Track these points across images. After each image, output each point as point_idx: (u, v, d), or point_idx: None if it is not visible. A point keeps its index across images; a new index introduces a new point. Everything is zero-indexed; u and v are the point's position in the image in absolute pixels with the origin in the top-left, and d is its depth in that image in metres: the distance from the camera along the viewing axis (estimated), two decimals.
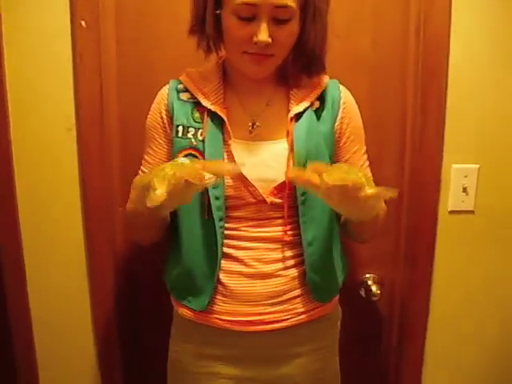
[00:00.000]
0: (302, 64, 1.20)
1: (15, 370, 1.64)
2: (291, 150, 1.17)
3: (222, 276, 1.20)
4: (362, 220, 1.13)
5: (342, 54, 1.51)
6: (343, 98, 1.26)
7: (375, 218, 1.16)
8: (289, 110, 1.21)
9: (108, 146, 1.53)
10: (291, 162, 1.17)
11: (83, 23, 1.44)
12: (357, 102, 1.30)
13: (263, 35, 1.07)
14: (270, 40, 1.08)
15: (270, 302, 1.20)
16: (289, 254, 1.22)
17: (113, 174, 1.55)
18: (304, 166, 1.13)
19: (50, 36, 1.46)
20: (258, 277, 1.19)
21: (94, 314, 1.62)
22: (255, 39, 1.07)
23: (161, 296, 1.39)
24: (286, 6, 1.06)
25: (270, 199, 1.18)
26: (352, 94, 1.30)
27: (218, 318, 1.22)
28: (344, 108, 1.25)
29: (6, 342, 1.61)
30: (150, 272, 1.54)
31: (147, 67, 1.51)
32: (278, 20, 1.08)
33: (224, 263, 1.20)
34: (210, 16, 1.13)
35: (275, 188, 1.18)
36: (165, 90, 1.27)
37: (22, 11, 1.44)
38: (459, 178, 1.58)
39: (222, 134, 1.19)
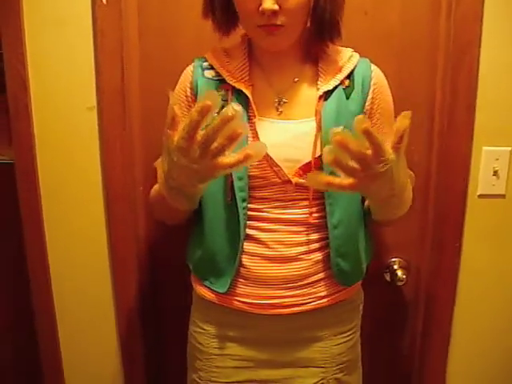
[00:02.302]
0: (316, 28, 1.14)
1: (40, 366, 1.66)
2: (319, 129, 1.14)
3: (244, 258, 1.19)
4: (393, 194, 1.02)
5: (370, 31, 1.48)
6: (374, 77, 1.22)
7: (404, 188, 1.07)
8: (317, 88, 1.17)
9: (129, 126, 1.51)
10: (318, 141, 1.14)
11: (104, 1, 1.41)
12: None
13: (267, 3, 1.03)
14: (275, 7, 1.03)
15: (291, 285, 1.18)
16: (313, 237, 1.19)
17: (134, 154, 1.54)
18: None
19: (71, 15, 1.44)
20: (280, 260, 1.18)
21: (116, 298, 1.62)
22: (261, 8, 1.04)
23: (183, 278, 1.37)
24: None
25: (295, 180, 1.16)
26: None
27: (238, 300, 1.21)
28: (375, 88, 1.21)
29: (31, 337, 1.64)
30: (172, 253, 1.52)
31: (169, 44, 1.49)
32: None
33: (246, 245, 1.18)
34: None
35: (301, 168, 1.15)
36: (189, 68, 1.25)
37: None
38: (490, 161, 1.53)
39: (247, 111, 1.16)
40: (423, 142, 1.55)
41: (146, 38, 1.49)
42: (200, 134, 0.87)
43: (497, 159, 1.53)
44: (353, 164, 0.89)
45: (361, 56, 1.24)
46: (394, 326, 1.71)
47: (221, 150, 0.88)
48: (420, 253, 1.63)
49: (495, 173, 1.53)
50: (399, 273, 1.58)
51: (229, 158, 0.90)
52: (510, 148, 1.53)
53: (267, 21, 1.06)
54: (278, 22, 1.07)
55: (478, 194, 1.55)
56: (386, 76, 1.25)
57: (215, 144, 0.88)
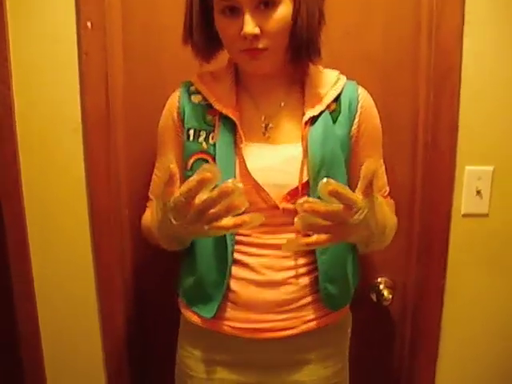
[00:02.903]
0: (293, 49, 1.13)
1: None
2: (305, 155, 1.14)
3: (232, 283, 1.18)
4: (375, 238, 1.05)
5: (353, 52, 1.49)
6: (361, 101, 1.21)
7: (384, 225, 1.10)
8: (303, 113, 1.17)
9: (114, 147, 1.51)
10: (305, 167, 1.14)
11: (89, 24, 1.42)
12: None
13: (248, 27, 1.03)
14: (256, 30, 1.04)
15: (279, 309, 1.17)
16: (301, 261, 1.19)
17: (119, 176, 1.54)
18: (318, 172, 1.12)
19: (56, 37, 1.44)
20: (268, 284, 1.17)
21: (102, 322, 1.61)
22: (242, 33, 1.04)
23: (168, 302, 1.37)
24: None
25: (282, 205, 1.15)
26: None
27: (226, 325, 1.20)
28: (362, 112, 1.21)
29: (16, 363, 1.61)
30: (159, 276, 1.52)
31: (154, 68, 1.49)
32: (262, 9, 1.04)
33: (235, 270, 1.18)
34: (197, 24, 1.13)
35: (288, 193, 1.15)
36: (176, 93, 1.25)
37: (27, 12, 1.42)
38: (473, 181, 1.54)
39: (234, 137, 1.16)
40: (407, 162, 1.57)
41: (131, 59, 1.50)
42: (198, 198, 0.90)
43: (479, 179, 1.54)
44: (326, 222, 0.91)
45: (348, 78, 1.24)
46: (381, 346, 1.71)
47: (217, 218, 0.91)
48: (405, 272, 1.64)
49: (478, 192, 1.55)
50: (385, 292, 1.59)
51: (225, 221, 0.92)
52: (492, 167, 1.54)
53: (249, 45, 1.06)
54: (261, 46, 1.07)
55: (462, 213, 1.57)
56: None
57: (212, 211, 0.90)
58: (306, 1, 1.08)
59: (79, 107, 1.47)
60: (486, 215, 1.57)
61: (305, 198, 0.89)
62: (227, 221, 0.92)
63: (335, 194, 0.87)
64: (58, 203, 1.53)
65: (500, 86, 1.50)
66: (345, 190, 0.89)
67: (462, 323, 1.65)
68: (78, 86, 1.46)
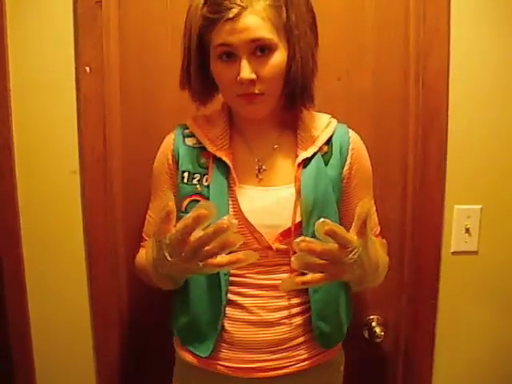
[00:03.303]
0: (288, 94, 1.17)
1: None
2: (298, 196, 1.16)
3: (226, 323, 1.19)
4: (368, 276, 1.07)
5: (344, 96, 1.54)
6: (352, 143, 1.24)
7: (377, 264, 1.10)
8: (297, 155, 1.20)
9: (111, 189, 1.54)
10: (298, 208, 1.16)
11: (87, 69, 1.46)
12: None
13: (244, 72, 1.06)
14: (252, 76, 1.07)
15: (273, 349, 1.18)
16: (294, 301, 1.20)
17: (116, 217, 1.56)
18: (311, 212, 1.14)
19: (55, 81, 1.48)
20: (262, 325, 1.18)
21: (97, 359, 1.61)
22: (238, 78, 1.07)
23: (164, 339, 1.37)
24: (260, 39, 1.06)
25: (275, 245, 1.17)
26: None
27: (221, 365, 1.20)
28: (352, 154, 1.24)
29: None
30: (154, 315, 1.53)
31: (151, 112, 1.53)
32: (258, 55, 1.08)
33: (228, 310, 1.19)
34: (194, 69, 1.15)
35: (281, 234, 1.17)
36: (171, 136, 1.27)
37: (28, 57, 1.47)
38: (462, 219, 1.58)
39: (228, 179, 1.18)
40: (397, 200, 1.60)
41: (128, 104, 1.53)
42: (193, 236, 0.92)
43: (468, 217, 1.57)
44: (321, 261, 0.93)
45: (338, 122, 1.27)
46: (373, 383, 1.71)
47: (211, 255, 0.93)
48: (397, 309, 1.65)
49: (467, 230, 1.58)
50: (377, 330, 1.60)
51: (219, 258, 0.94)
52: (480, 206, 1.58)
53: (246, 90, 1.09)
54: (256, 91, 1.10)
55: (452, 250, 1.59)
56: (360, 138, 1.29)
57: (207, 248, 0.92)
58: (301, 50, 1.11)
59: (77, 150, 1.51)
60: (476, 253, 1.60)
61: (302, 238, 0.92)
62: (222, 258, 0.93)
63: (331, 234, 0.90)
64: (55, 242, 1.55)
65: (487, 126, 1.55)
66: (341, 229, 0.92)
67: (454, 359, 1.66)
68: (76, 130, 1.50)
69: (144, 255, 1.21)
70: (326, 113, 1.28)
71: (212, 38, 1.09)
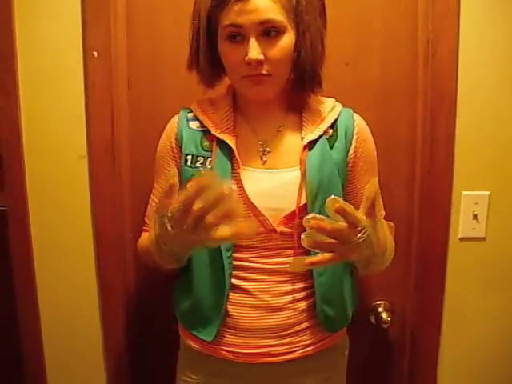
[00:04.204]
0: (297, 79, 1.18)
1: None
2: (303, 179, 1.16)
3: (230, 308, 1.19)
4: (376, 258, 1.05)
5: (352, 81, 1.53)
6: (357, 127, 1.24)
7: (385, 246, 1.09)
8: (301, 137, 1.20)
9: (119, 174, 1.55)
10: (303, 190, 1.16)
11: (95, 53, 1.46)
12: None
13: (253, 52, 1.06)
14: (261, 56, 1.07)
15: (277, 334, 1.19)
16: (299, 286, 1.20)
17: (124, 202, 1.57)
18: (316, 196, 1.14)
19: (63, 66, 1.49)
20: (266, 309, 1.18)
21: (105, 345, 1.62)
22: (246, 58, 1.07)
23: (169, 324, 1.38)
24: (270, 21, 1.06)
25: (280, 228, 1.17)
26: None
27: (225, 350, 1.21)
28: (357, 138, 1.24)
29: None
30: (161, 300, 1.53)
31: (158, 95, 1.53)
32: (267, 36, 1.08)
33: (232, 295, 1.19)
34: (203, 50, 1.16)
35: (285, 217, 1.17)
36: (175, 119, 1.27)
37: (36, 42, 1.47)
38: (470, 205, 1.57)
39: (231, 162, 1.18)
40: (405, 187, 1.59)
41: (136, 89, 1.54)
42: (196, 205, 0.90)
43: (476, 203, 1.57)
44: (331, 240, 0.93)
45: (343, 106, 1.27)
46: (380, 369, 1.72)
47: (213, 225, 0.92)
48: (404, 295, 1.66)
49: (475, 216, 1.57)
50: (384, 315, 1.60)
51: (221, 231, 0.92)
52: (488, 192, 1.57)
53: (253, 71, 1.09)
54: (264, 72, 1.10)
55: (459, 237, 1.59)
56: (367, 124, 1.29)
57: (209, 219, 0.91)
58: (311, 35, 1.12)
59: (85, 135, 1.51)
60: (483, 239, 1.60)
61: (312, 215, 0.92)
62: (224, 231, 0.92)
63: (342, 212, 0.90)
64: (63, 227, 1.56)
65: (496, 112, 1.54)
66: (351, 208, 0.92)
67: (460, 346, 1.66)
68: (84, 115, 1.50)
69: (147, 238, 1.21)
70: (334, 98, 1.28)
71: (221, 19, 1.09)
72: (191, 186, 0.90)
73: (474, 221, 1.58)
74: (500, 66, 1.51)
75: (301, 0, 1.09)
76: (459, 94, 1.52)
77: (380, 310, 1.64)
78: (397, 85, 1.55)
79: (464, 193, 1.57)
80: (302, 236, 0.93)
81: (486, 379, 1.70)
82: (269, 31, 1.08)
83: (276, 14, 1.06)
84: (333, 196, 0.90)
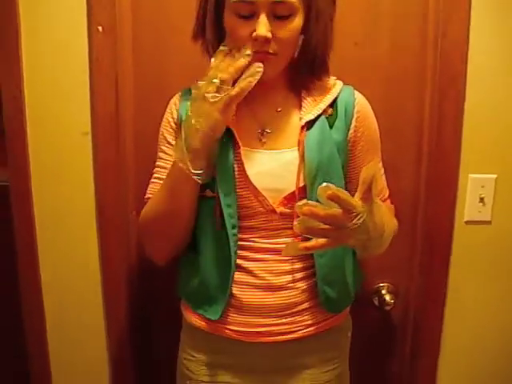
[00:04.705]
0: (304, 64, 1.17)
1: None
2: (302, 159, 1.16)
3: (233, 287, 1.19)
4: (370, 239, 1.03)
5: (360, 62, 1.51)
6: (357, 105, 1.23)
7: (382, 229, 1.07)
8: (300, 118, 1.19)
9: (123, 151, 1.54)
10: (302, 171, 1.16)
11: (100, 28, 1.44)
12: (373, 110, 1.27)
13: (262, 29, 1.05)
14: (269, 34, 1.06)
15: (279, 313, 1.19)
16: (298, 265, 1.20)
17: (127, 179, 1.56)
18: (315, 176, 1.14)
19: (67, 41, 1.47)
20: (268, 289, 1.18)
21: (107, 323, 1.63)
22: (254, 34, 1.06)
23: (174, 304, 1.38)
24: (284, 2, 1.05)
25: (279, 209, 1.16)
26: (369, 101, 1.27)
27: (228, 329, 1.21)
28: (358, 116, 1.22)
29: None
30: (163, 278, 1.53)
31: (163, 73, 1.52)
32: (278, 16, 1.06)
33: (235, 274, 1.19)
34: (210, 20, 1.14)
35: (285, 198, 1.17)
36: (174, 101, 1.27)
37: (40, 17, 1.45)
38: (476, 188, 1.56)
39: (232, 142, 1.16)
40: (411, 168, 1.58)
41: (141, 64, 1.52)
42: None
43: (483, 186, 1.56)
44: (324, 226, 0.93)
45: (345, 83, 1.25)
46: (382, 350, 1.72)
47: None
48: (408, 278, 1.65)
49: (481, 200, 1.56)
50: (387, 297, 1.60)
51: (234, 89, 1.04)
52: (495, 175, 1.56)
53: (259, 47, 1.07)
54: (270, 50, 1.09)
55: (465, 220, 1.58)
56: (374, 105, 1.27)
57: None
58: (324, 20, 1.12)
59: (89, 111, 1.50)
60: (489, 222, 1.59)
61: (304, 201, 0.92)
62: (236, 89, 1.04)
63: (334, 198, 0.90)
64: (66, 204, 1.55)
65: (505, 96, 1.52)
66: (344, 194, 0.91)
67: (463, 329, 1.66)
68: (88, 90, 1.49)
69: (151, 204, 1.22)
70: (342, 78, 1.27)
71: None
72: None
73: (481, 204, 1.57)
74: (511, 47, 1.49)
75: None
76: (468, 75, 1.49)
77: (383, 292, 1.63)
78: (405, 65, 1.53)
79: (471, 175, 1.55)
80: (295, 222, 0.93)
81: (490, 364, 1.70)
82: (280, 12, 1.06)
83: None
84: (324, 184, 0.90)
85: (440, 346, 1.66)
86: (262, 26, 1.05)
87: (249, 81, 1.04)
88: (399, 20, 1.50)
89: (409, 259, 1.64)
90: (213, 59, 1.09)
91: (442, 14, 1.47)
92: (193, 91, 1.08)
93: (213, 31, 1.16)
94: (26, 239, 1.55)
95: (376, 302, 1.64)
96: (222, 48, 1.09)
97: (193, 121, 1.05)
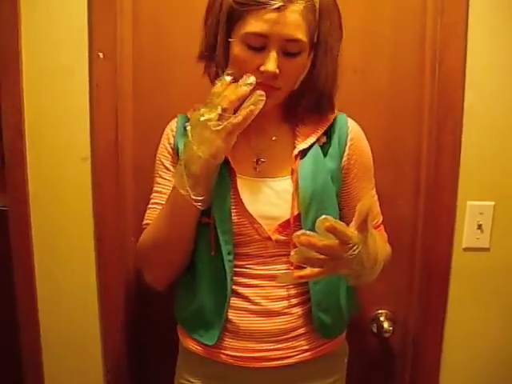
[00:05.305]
0: (311, 101, 1.18)
1: None
2: (296, 188, 1.16)
3: (229, 312, 1.19)
4: (366, 271, 1.04)
5: (359, 89, 1.52)
6: (351, 133, 1.24)
7: (375, 260, 1.06)
8: (294, 147, 1.20)
9: (122, 177, 1.54)
10: (296, 200, 1.16)
11: (101, 55, 1.46)
12: (372, 138, 1.28)
13: (272, 65, 1.05)
14: (277, 71, 1.06)
15: (275, 339, 1.19)
16: (294, 291, 1.20)
17: (126, 204, 1.56)
18: (309, 205, 1.15)
19: (68, 67, 1.48)
20: (264, 314, 1.18)
21: (104, 347, 1.62)
22: (262, 68, 1.06)
23: (171, 328, 1.37)
24: (296, 40, 1.06)
25: (275, 237, 1.17)
26: (368, 129, 1.28)
27: (224, 354, 1.21)
28: (351, 144, 1.23)
29: None
30: (161, 303, 1.53)
31: (164, 99, 1.52)
32: (287, 52, 1.07)
33: (231, 300, 1.19)
34: (221, 44, 1.13)
35: (280, 225, 1.17)
36: (171, 127, 1.28)
37: (41, 42, 1.46)
38: (474, 215, 1.56)
39: (228, 170, 1.17)
40: (410, 196, 1.58)
41: (141, 91, 1.53)
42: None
43: (481, 213, 1.56)
44: (321, 256, 0.94)
45: (347, 113, 1.26)
46: (381, 378, 1.71)
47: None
48: (407, 305, 1.64)
49: (479, 226, 1.56)
50: (386, 324, 1.59)
51: (237, 118, 1.03)
52: (493, 202, 1.56)
53: (265, 80, 1.08)
54: (276, 85, 1.10)
55: (463, 247, 1.58)
56: (373, 132, 1.28)
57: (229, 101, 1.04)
58: (332, 58, 1.14)
59: (89, 137, 1.50)
60: (488, 249, 1.59)
61: (302, 231, 0.92)
62: (238, 117, 1.03)
63: (332, 230, 0.91)
64: (65, 229, 1.55)
65: (503, 123, 1.53)
66: (341, 226, 0.92)
67: (462, 357, 1.65)
68: (88, 116, 1.50)
69: (149, 230, 1.22)
70: (340, 105, 1.27)
71: (246, 20, 1.05)
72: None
73: (479, 231, 1.57)
74: (508, 75, 1.50)
75: (325, 22, 1.10)
76: (466, 103, 1.51)
77: (382, 319, 1.62)
78: (404, 93, 1.54)
79: (469, 203, 1.55)
80: (292, 253, 0.94)
81: None
82: (288, 53, 1.07)
83: (303, 35, 1.06)
84: (323, 216, 0.91)
85: (439, 374, 1.64)
86: (272, 62, 1.06)
87: (251, 109, 1.03)
88: (398, 48, 1.52)
89: (407, 286, 1.63)
90: (218, 84, 1.08)
91: (439, 41, 1.49)
92: (192, 118, 1.08)
93: (223, 56, 1.14)
94: (24, 265, 1.54)
95: (374, 329, 1.63)
96: (226, 78, 1.08)
97: (194, 147, 1.05)
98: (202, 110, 1.06)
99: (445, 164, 1.53)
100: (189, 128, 1.09)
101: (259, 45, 1.06)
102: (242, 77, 1.07)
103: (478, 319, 1.63)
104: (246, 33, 1.06)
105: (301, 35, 1.06)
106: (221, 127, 1.03)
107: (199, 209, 1.11)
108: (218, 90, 1.06)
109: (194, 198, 1.09)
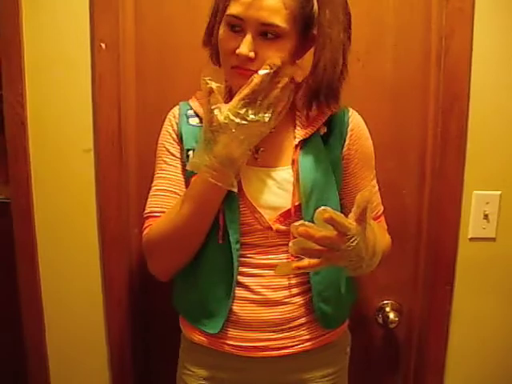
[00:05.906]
0: (311, 92, 1.16)
1: None
2: (296, 178, 1.16)
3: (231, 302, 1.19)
4: (364, 263, 1.03)
5: (363, 79, 1.51)
6: (351, 123, 1.23)
7: (374, 251, 1.05)
8: (294, 136, 1.19)
9: (125, 168, 1.54)
10: (296, 190, 1.16)
11: (103, 45, 1.45)
12: (377, 127, 1.28)
13: (244, 48, 1.06)
14: (251, 54, 1.06)
15: (276, 328, 1.19)
16: (295, 280, 1.20)
17: (130, 196, 1.56)
18: (310, 195, 1.14)
19: (70, 58, 1.47)
20: (265, 304, 1.19)
21: (109, 338, 1.62)
22: (237, 51, 1.06)
23: (174, 319, 1.36)
24: (272, 25, 1.05)
25: (275, 226, 1.17)
26: (372, 118, 1.27)
27: (226, 344, 1.21)
28: (352, 134, 1.23)
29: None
30: (165, 294, 1.53)
31: (166, 88, 1.52)
32: (265, 36, 1.07)
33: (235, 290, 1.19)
34: (217, 28, 1.14)
35: (281, 215, 1.17)
36: (173, 115, 1.27)
37: (43, 33, 1.46)
38: (480, 205, 1.55)
39: None
40: (415, 185, 1.57)
41: (143, 81, 1.52)
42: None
43: (487, 203, 1.55)
44: (319, 247, 0.94)
45: (352, 102, 1.25)
46: (386, 369, 1.71)
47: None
48: (412, 295, 1.64)
49: (485, 216, 1.55)
50: (391, 315, 1.59)
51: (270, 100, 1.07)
52: (499, 192, 1.55)
53: (241, 64, 1.08)
54: (253, 68, 1.08)
55: (469, 237, 1.57)
56: (378, 122, 1.27)
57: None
58: (331, 48, 1.10)
59: (91, 128, 1.50)
60: (494, 239, 1.58)
61: (301, 222, 0.92)
62: None
63: (331, 221, 0.90)
64: (68, 221, 1.55)
65: (509, 112, 1.51)
66: (340, 217, 0.92)
67: (468, 347, 1.64)
68: (91, 108, 1.49)
69: (162, 221, 1.19)
70: (344, 94, 1.24)
71: (229, 4, 1.08)
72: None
73: (485, 221, 1.56)
74: None
75: (324, 11, 1.09)
76: (472, 91, 1.49)
77: (387, 309, 1.62)
78: (408, 81, 1.53)
79: (475, 192, 1.54)
80: (290, 244, 0.95)
81: (495, 381, 1.68)
82: (266, 33, 1.07)
83: (281, 21, 1.05)
84: (322, 207, 0.91)
85: (445, 364, 1.64)
86: (246, 45, 1.06)
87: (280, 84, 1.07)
88: (402, 36, 1.51)
89: (413, 276, 1.63)
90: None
91: (445, 29, 1.47)
92: (226, 113, 1.06)
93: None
94: (28, 257, 1.54)
95: (380, 320, 1.63)
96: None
97: (236, 133, 1.05)
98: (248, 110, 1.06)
99: (450, 153, 1.51)
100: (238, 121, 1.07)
101: (239, 28, 1.07)
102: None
103: (484, 309, 1.62)
104: (226, 15, 1.08)
105: (278, 20, 1.05)
106: (268, 118, 1.06)
107: (233, 191, 1.11)
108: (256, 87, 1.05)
109: (231, 182, 1.09)
